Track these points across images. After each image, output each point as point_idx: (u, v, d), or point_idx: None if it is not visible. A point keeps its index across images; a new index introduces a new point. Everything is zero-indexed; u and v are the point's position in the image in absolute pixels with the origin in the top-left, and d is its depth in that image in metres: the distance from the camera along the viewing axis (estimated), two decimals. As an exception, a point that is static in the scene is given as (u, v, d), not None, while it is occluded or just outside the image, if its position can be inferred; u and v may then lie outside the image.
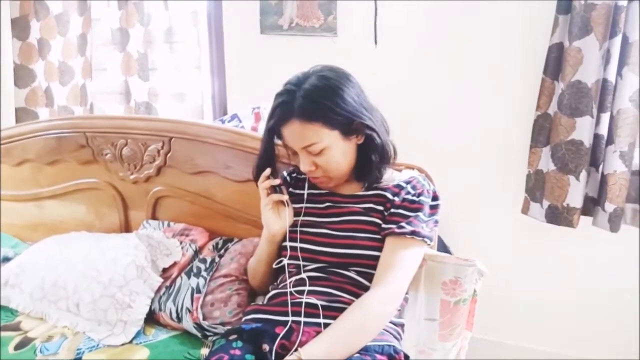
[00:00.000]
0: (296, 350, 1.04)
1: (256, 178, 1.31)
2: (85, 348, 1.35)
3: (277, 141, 1.26)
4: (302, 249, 1.23)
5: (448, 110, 1.93)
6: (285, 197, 1.28)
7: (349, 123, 1.16)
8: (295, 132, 1.17)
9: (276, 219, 1.27)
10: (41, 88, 2.27)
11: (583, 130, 1.64)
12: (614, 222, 1.65)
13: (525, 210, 1.84)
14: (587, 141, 1.64)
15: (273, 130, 1.22)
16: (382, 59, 1.96)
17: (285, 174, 1.37)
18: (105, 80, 2.38)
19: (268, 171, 1.27)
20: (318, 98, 1.14)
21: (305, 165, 1.20)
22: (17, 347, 1.36)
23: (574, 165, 1.66)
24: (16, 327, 1.45)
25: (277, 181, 1.28)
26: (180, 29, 2.23)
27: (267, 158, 1.28)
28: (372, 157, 1.21)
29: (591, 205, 1.73)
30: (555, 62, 1.68)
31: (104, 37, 2.32)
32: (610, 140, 1.64)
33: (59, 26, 2.24)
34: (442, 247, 1.74)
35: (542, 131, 1.75)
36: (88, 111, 2.36)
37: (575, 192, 1.68)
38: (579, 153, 1.65)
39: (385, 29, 1.94)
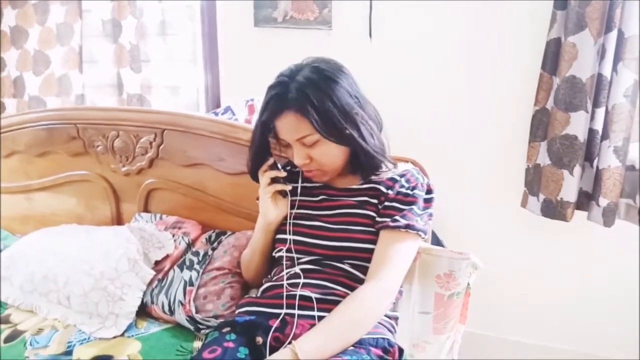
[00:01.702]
0: (290, 343, 1.03)
1: (252, 172, 1.30)
2: (76, 341, 1.33)
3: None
4: (296, 242, 1.22)
5: (446, 103, 1.92)
6: (289, 188, 1.27)
7: (335, 126, 1.13)
8: (289, 124, 1.15)
9: (274, 207, 1.26)
10: (10, 77, 2.22)
11: (577, 125, 1.64)
12: (608, 217, 1.65)
13: (524, 203, 1.84)
14: (582, 136, 1.64)
15: (266, 124, 1.20)
16: (378, 53, 1.95)
17: (279, 166, 1.36)
18: (96, 72, 2.35)
19: (271, 160, 1.27)
20: (312, 89, 1.12)
21: (299, 159, 1.19)
22: (6, 340, 1.34)
23: (568, 160, 1.67)
24: (5, 320, 1.43)
25: (284, 173, 1.27)
26: (175, 22, 2.21)
27: (261, 151, 1.27)
28: (361, 157, 1.20)
29: (586, 200, 1.73)
30: (553, 57, 1.68)
31: (95, 29, 2.29)
32: (605, 135, 1.65)
33: (37, 14, 2.19)
34: (436, 241, 1.74)
35: (541, 126, 1.75)
36: (73, 103, 2.30)
37: (569, 187, 1.68)
38: (573, 148, 1.65)
39: (381, 23, 1.93)
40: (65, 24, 2.22)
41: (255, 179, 1.30)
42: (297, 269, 1.20)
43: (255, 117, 1.76)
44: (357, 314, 1.09)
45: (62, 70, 2.27)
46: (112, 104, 2.33)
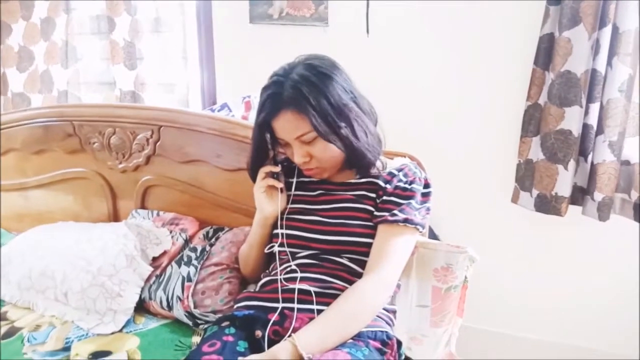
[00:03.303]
0: (290, 336, 1.03)
1: (251, 172, 1.30)
2: (74, 337, 1.33)
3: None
4: (294, 236, 1.23)
5: (439, 100, 1.93)
6: (281, 185, 1.27)
7: (329, 124, 1.13)
8: (287, 123, 1.15)
9: (269, 202, 1.27)
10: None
11: (572, 120, 1.65)
12: (603, 212, 1.66)
13: (515, 199, 1.85)
14: (576, 131, 1.65)
15: (264, 125, 1.20)
16: (373, 49, 1.96)
17: (277, 162, 1.36)
18: (84, 68, 2.33)
19: (270, 154, 1.28)
20: (308, 86, 1.12)
21: (299, 157, 1.18)
22: (3, 337, 1.34)
23: (563, 155, 1.68)
24: (2, 317, 1.43)
25: (277, 168, 1.27)
26: (169, 19, 2.21)
27: (260, 152, 1.27)
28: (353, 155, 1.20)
29: (580, 194, 1.75)
30: (546, 52, 1.69)
31: (83, 25, 2.28)
32: (599, 130, 1.66)
33: (22, 10, 2.17)
34: (432, 235, 1.75)
35: (533, 121, 1.76)
36: (54, 99, 2.29)
37: (564, 181, 1.69)
38: (568, 142, 1.66)
39: (376, 19, 1.94)
40: (48, 19, 2.21)
41: (255, 179, 1.30)
42: (294, 264, 1.20)
43: (252, 114, 1.77)
44: (356, 307, 1.09)
45: (44, 65, 2.25)
46: (100, 100, 2.32)
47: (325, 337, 1.04)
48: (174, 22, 2.21)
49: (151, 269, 1.46)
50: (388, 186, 1.22)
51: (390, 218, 1.17)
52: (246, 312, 1.15)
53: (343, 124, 1.14)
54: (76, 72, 2.34)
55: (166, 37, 2.23)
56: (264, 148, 1.26)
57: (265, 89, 1.18)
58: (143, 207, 1.72)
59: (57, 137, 1.76)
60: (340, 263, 1.19)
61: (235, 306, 1.23)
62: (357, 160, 1.21)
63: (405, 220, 1.17)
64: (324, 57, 1.20)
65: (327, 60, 1.19)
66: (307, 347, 1.00)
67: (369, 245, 1.18)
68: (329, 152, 1.18)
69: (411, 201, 1.20)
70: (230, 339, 1.08)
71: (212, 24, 2.18)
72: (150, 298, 1.43)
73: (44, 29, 2.21)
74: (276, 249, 1.25)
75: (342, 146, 1.17)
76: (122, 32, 2.18)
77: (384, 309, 1.20)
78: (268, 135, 1.23)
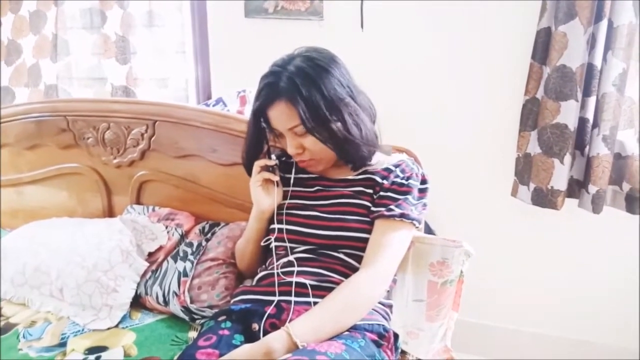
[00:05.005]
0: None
1: (245, 162, 1.29)
2: (70, 333, 1.33)
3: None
4: (291, 231, 1.23)
5: (438, 94, 1.93)
6: (276, 178, 1.27)
7: (320, 118, 1.13)
8: (281, 114, 1.15)
9: (266, 196, 1.26)
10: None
11: (568, 114, 1.65)
12: (597, 204, 1.67)
13: (514, 192, 1.86)
14: (572, 125, 1.66)
15: (259, 113, 1.20)
16: (369, 43, 1.95)
17: (274, 157, 1.35)
18: (73, 62, 2.31)
19: (265, 148, 1.27)
20: (303, 78, 1.12)
21: (292, 148, 1.19)
22: (-1, 333, 1.34)
23: (559, 149, 1.68)
24: (-2, 313, 1.43)
25: (273, 162, 1.27)
26: (162, 13, 2.19)
27: (255, 141, 1.26)
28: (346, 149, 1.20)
29: (577, 187, 1.75)
30: (543, 47, 1.69)
31: (72, 18, 2.26)
32: (595, 124, 1.66)
33: (11, 3, 2.15)
34: (428, 231, 1.75)
35: (531, 115, 1.76)
36: (42, 93, 2.27)
37: (560, 175, 1.70)
38: (564, 136, 1.67)
39: (372, 13, 1.93)
40: (38, 12, 2.18)
41: (250, 170, 1.30)
42: (291, 258, 1.20)
43: (247, 109, 1.76)
44: (351, 298, 1.10)
45: (33, 59, 2.23)
46: (91, 95, 2.30)
47: (319, 328, 1.05)
48: (167, 16, 2.20)
49: (147, 264, 1.46)
50: (385, 182, 1.22)
51: (386, 213, 1.17)
52: (243, 305, 1.15)
53: (334, 118, 1.14)
54: (67, 67, 2.32)
55: (160, 32, 2.21)
56: (259, 137, 1.25)
57: (263, 77, 1.18)
58: (138, 202, 1.71)
59: (51, 132, 1.75)
60: (337, 258, 1.19)
61: (232, 300, 1.23)
62: (348, 154, 1.21)
63: (402, 215, 1.17)
64: (324, 50, 1.21)
65: (326, 53, 1.19)
66: (301, 337, 1.01)
67: (366, 240, 1.18)
68: (321, 145, 1.18)
69: (408, 197, 1.20)
70: (226, 332, 1.08)
71: (207, 18, 2.17)
72: (146, 293, 1.43)
73: (34, 22, 2.19)
74: (273, 243, 1.24)
75: (332, 141, 1.16)
76: (113, 26, 2.16)
77: (380, 303, 1.20)
78: (264, 126, 1.23)
